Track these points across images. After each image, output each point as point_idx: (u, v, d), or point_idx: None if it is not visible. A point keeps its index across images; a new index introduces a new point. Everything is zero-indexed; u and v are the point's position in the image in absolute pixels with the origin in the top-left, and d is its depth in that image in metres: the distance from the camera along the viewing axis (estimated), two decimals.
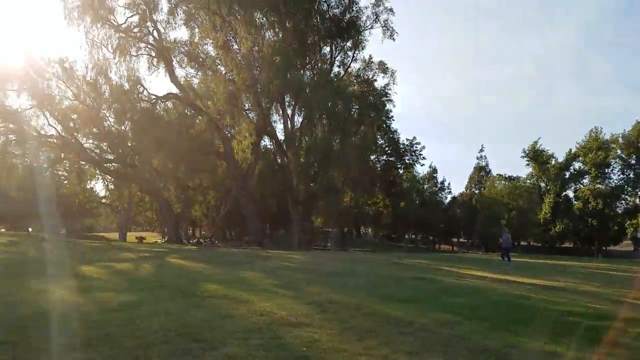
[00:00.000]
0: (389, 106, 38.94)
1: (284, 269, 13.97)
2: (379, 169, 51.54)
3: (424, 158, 54.56)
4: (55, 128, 31.95)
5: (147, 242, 40.98)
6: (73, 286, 9.29)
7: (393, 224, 64.76)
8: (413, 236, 78.42)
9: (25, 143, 29.74)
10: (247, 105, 34.08)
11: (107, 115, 33.21)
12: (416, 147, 53.57)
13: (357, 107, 34.13)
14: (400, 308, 8.03)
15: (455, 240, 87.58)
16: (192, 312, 7.01)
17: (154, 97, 33.42)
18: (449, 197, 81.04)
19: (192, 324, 6.17)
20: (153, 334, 5.60)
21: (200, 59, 34.95)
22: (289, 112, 36.68)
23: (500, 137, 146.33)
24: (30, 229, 63.19)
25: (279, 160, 37.63)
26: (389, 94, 37.24)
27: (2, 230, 56.07)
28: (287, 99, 35.23)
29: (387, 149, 51.35)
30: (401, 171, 55.99)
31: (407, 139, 53.06)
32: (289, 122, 37.05)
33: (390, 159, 52.51)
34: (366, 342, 5.58)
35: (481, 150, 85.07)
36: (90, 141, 35.15)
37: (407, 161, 53.51)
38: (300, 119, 35.48)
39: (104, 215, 70.77)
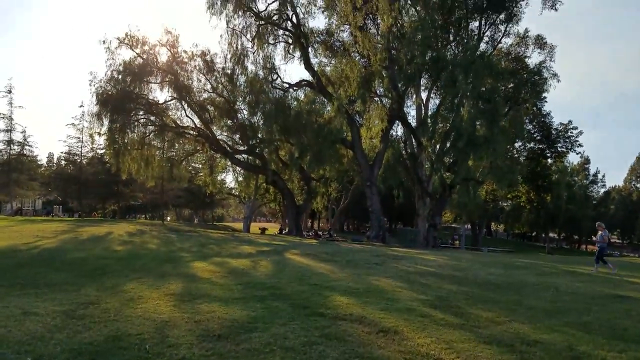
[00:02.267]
0: (551, 82, 31.45)
1: (424, 275, 11.23)
2: (524, 157, 45.00)
3: (579, 145, 45.98)
4: (192, 119, 33.20)
5: (269, 232, 41.31)
6: (176, 291, 7.78)
7: (535, 220, 57.37)
8: (554, 235, 69.77)
9: (163, 134, 31.01)
10: (379, 90, 31.72)
11: (242, 107, 33.65)
12: (571, 132, 45.56)
13: (506, 85, 29.27)
14: None
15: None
16: (320, 349, 4.79)
17: (286, 84, 32.99)
18: (601, 191, 70.81)
19: None
20: None
21: (335, 47, 33.85)
22: (424, 96, 33.77)
23: None
24: (168, 218, 69.46)
25: (408, 150, 34.60)
26: (543, 72, 31.13)
27: (142, 219, 62.13)
28: (422, 81, 32.32)
29: (535, 134, 44.48)
30: (549, 161, 48.52)
31: (560, 124, 45.46)
32: (422, 107, 34.09)
33: (540, 146, 45.39)
34: None
35: None
36: (225, 133, 36.15)
37: (559, 149, 45.72)
38: (437, 103, 32.14)
39: (233, 205, 74.69)
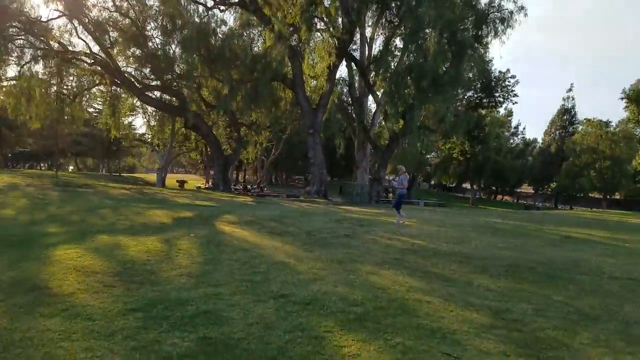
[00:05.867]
0: (517, 16, 24.48)
1: (426, 256, 7.52)
2: (464, 106, 42.55)
3: (515, 95, 44.59)
4: (87, 43, 25.94)
5: (189, 186, 35.76)
6: None
7: (464, 172, 57.15)
8: (474, 186, 71.50)
9: (48, 61, 23.75)
10: (325, 19, 26.16)
11: (154, 34, 27.05)
12: (509, 81, 43.91)
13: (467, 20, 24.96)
14: None
15: (518, 191, 79.41)
16: None
17: (211, 2, 26.48)
18: (520, 143, 73.11)
19: None
20: None
21: None
22: (368, 32, 29.01)
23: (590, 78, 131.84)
24: (71, 169, 60.02)
25: (351, 93, 30.30)
26: (504, 5, 27.03)
27: (36, 169, 52.58)
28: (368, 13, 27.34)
29: (475, 82, 41.84)
30: (483, 111, 46.96)
31: (499, 72, 43.35)
32: (366, 45, 29.59)
33: (479, 94, 43.20)
34: None
35: (569, 90, 74.79)
36: (132, 66, 29.17)
37: (497, 98, 43.94)
38: (382, 40, 27.62)
39: (146, 155, 66.16)
